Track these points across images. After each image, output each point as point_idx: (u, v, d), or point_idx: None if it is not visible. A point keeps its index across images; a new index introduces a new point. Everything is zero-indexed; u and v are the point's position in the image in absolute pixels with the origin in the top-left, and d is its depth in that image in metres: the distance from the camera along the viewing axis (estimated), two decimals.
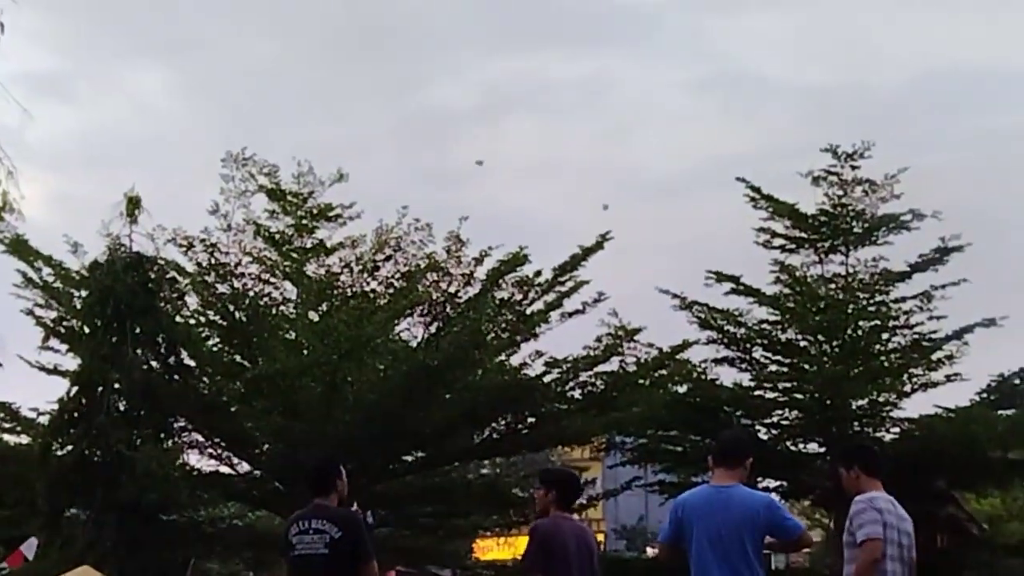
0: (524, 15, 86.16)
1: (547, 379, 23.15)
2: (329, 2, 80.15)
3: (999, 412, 24.39)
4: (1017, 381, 24.59)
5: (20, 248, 22.55)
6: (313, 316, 22.67)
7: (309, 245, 23.60)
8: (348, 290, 23.33)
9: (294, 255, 23.32)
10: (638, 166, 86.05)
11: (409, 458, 24.10)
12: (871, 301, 24.46)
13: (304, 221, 23.61)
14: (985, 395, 24.63)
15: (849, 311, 24.17)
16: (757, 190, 24.55)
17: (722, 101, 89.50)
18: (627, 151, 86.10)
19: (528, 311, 23.08)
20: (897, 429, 24.80)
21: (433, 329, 23.06)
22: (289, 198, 23.60)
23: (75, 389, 20.59)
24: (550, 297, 23.13)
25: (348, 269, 23.41)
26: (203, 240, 22.86)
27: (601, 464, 31.33)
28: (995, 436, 23.83)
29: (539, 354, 23.02)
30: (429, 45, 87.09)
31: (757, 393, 24.79)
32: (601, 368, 23.54)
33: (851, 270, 24.70)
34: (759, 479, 23.03)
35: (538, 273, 22.96)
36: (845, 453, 8.44)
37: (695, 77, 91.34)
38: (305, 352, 21.49)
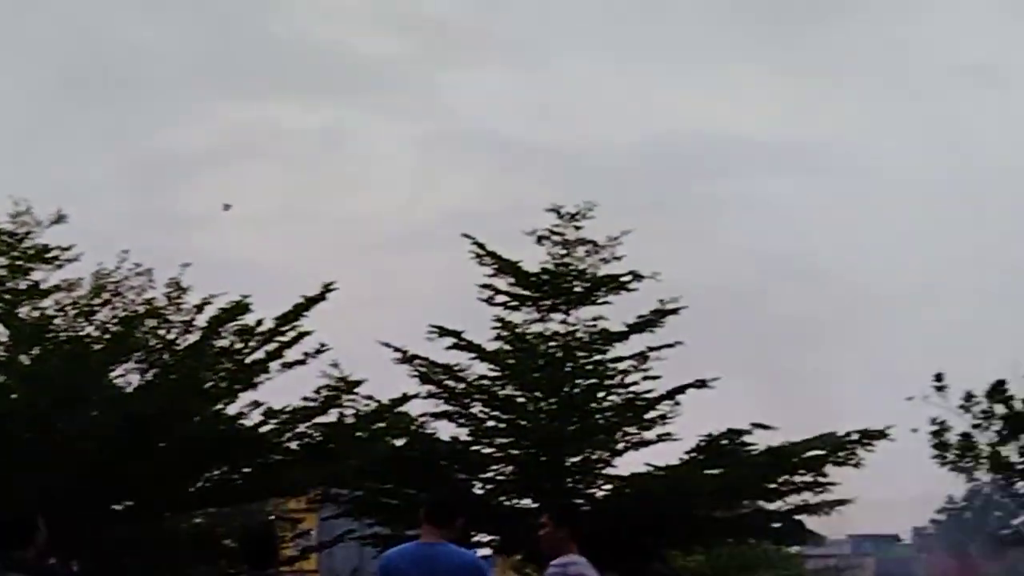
0: (259, 63, 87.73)
1: (265, 429, 24.12)
2: (60, 43, 79.90)
3: (707, 471, 27.58)
4: (725, 441, 27.70)
5: None
6: (24, 360, 23.06)
7: (23, 287, 23.92)
8: (63, 334, 23.58)
9: (7, 296, 23.66)
10: (369, 217, 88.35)
11: (121, 507, 24.36)
12: (589, 360, 26.65)
13: (19, 262, 23.94)
14: (694, 454, 27.59)
15: (568, 369, 26.49)
16: (482, 246, 26.56)
17: (455, 156, 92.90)
18: (359, 202, 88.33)
19: (248, 360, 23.99)
20: (610, 486, 27.20)
21: (150, 376, 23.62)
22: (3, 238, 24.00)
23: None
24: (271, 346, 24.06)
25: (64, 313, 23.79)
26: None
27: (316, 516, 32.98)
28: (702, 495, 26.88)
29: (257, 404, 23.96)
30: (163, 89, 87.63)
31: (475, 448, 26.77)
32: (320, 419, 24.67)
33: (571, 328, 26.93)
34: (472, 533, 25.41)
35: (260, 322, 23.86)
36: (562, 511, 9.55)
37: (429, 131, 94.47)
38: (14, 397, 22.13)
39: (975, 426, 28.81)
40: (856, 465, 27.90)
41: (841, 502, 28.38)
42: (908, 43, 64.07)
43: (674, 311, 27.11)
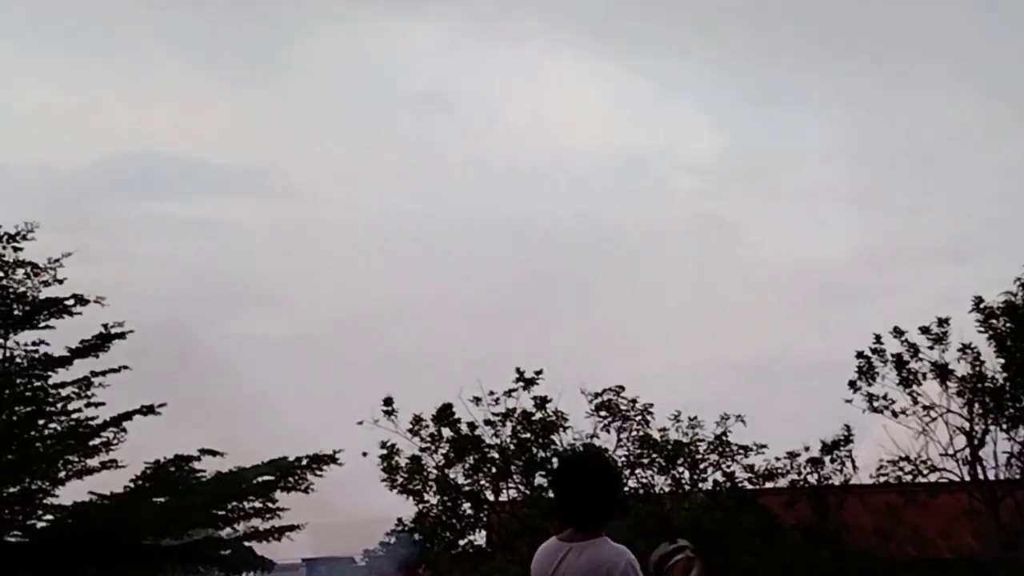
0: None
1: None
2: None
3: (154, 499, 28.08)
4: (172, 468, 28.34)
5: None
6: None
7: None
8: None
9: None
10: None
11: None
12: (29, 386, 26.76)
13: None
14: (140, 482, 28.04)
15: (5, 395, 26.59)
16: None
17: None
18: None
19: None
20: (51, 516, 27.45)
21: None
22: None
23: None
24: None
25: None
26: None
27: None
28: (149, 523, 27.45)
29: None
30: None
31: None
32: None
33: (9, 353, 26.85)
34: None
35: None
36: None
37: None
38: None
39: (423, 449, 30.53)
40: (306, 490, 29.12)
41: (292, 527, 29.46)
42: (364, 69, 66.70)
43: (120, 335, 27.41)
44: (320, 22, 64.82)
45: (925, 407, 30.43)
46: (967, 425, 30.30)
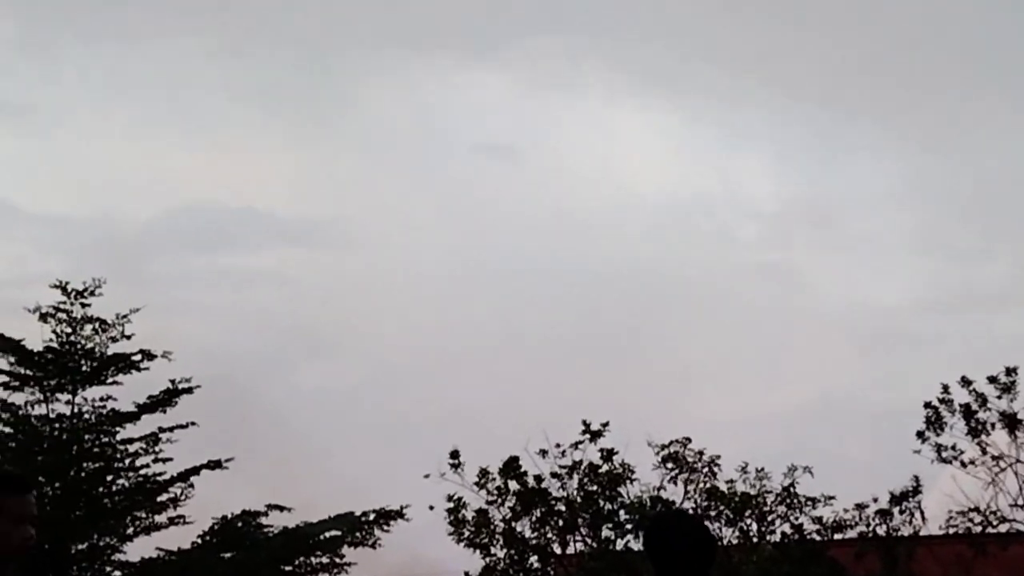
0: None
1: None
2: None
3: (221, 555, 28.22)
4: (240, 523, 28.50)
5: None
6: None
7: None
8: None
9: None
10: None
11: None
12: (97, 442, 27.07)
13: None
14: (208, 537, 28.13)
15: (73, 451, 26.98)
16: None
17: None
18: None
19: None
20: (119, 573, 27.69)
21: None
22: None
23: None
24: None
25: None
26: None
27: None
28: None
29: None
30: None
31: None
32: None
33: (78, 409, 27.16)
34: None
35: None
36: None
37: None
38: None
39: (490, 502, 30.50)
40: (373, 545, 29.19)
41: None
42: (427, 120, 67.01)
43: (187, 390, 27.67)
44: (383, 73, 65.22)
45: (994, 457, 30.11)
46: None
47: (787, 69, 64.43)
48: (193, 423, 27.58)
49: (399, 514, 29.44)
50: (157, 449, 27.40)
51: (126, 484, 27.45)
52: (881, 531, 30.00)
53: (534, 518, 30.93)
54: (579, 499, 30.35)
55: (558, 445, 30.45)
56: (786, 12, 63.52)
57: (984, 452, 30.20)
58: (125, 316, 27.54)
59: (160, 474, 27.46)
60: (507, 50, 65.08)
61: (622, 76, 64.90)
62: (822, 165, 67.51)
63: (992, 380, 30.28)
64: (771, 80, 63.58)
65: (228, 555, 28.09)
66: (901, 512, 29.99)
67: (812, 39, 64.41)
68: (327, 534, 28.92)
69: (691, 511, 27.62)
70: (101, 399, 27.42)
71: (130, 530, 27.54)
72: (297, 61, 65.24)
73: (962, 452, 30.35)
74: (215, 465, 27.64)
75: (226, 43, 63.59)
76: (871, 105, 65.55)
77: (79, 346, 27.22)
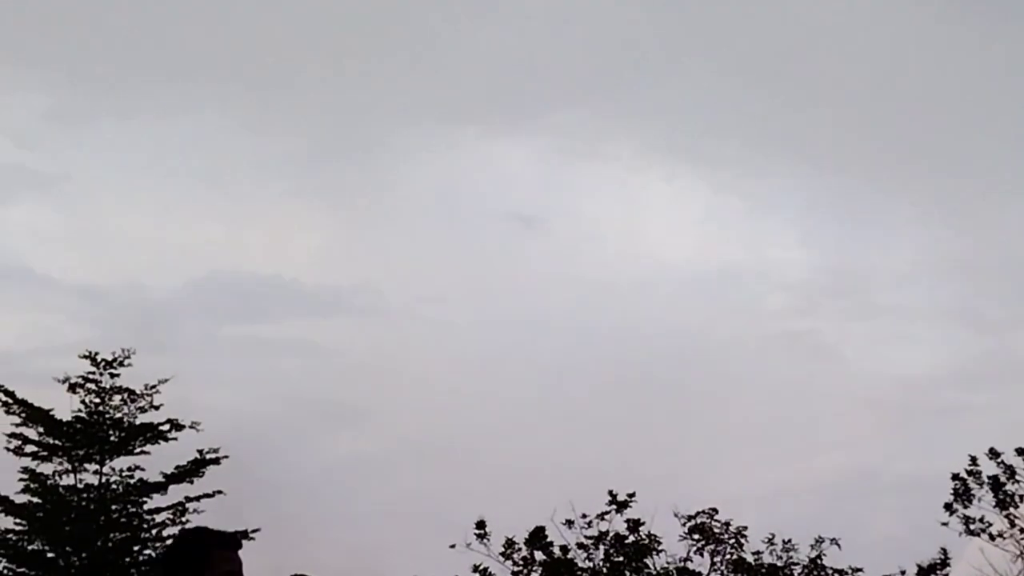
0: None
1: None
2: None
3: None
4: None
5: None
6: None
7: None
8: None
9: None
10: None
11: None
12: (124, 512, 27.23)
13: None
14: None
15: (101, 522, 27.14)
16: (10, 394, 27.09)
17: None
18: None
19: None
20: None
21: None
22: None
23: None
24: None
25: None
26: None
27: None
28: None
29: None
30: None
31: None
32: None
33: (105, 479, 27.32)
34: None
35: None
36: None
37: None
38: None
39: (516, 573, 30.45)
40: None
41: None
42: (455, 189, 67.35)
43: (215, 460, 27.76)
44: (412, 143, 65.70)
45: (1022, 530, 30.00)
46: None
47: (813, 140, 64.75)
48: (220, 492, 27.65)
49: None
50: (184, 520, 27.48)
51: (152, 554, 27.46)
52: None
53: None
54: (605, 570, 30.27)
55: (584, 515, 30.39)
56: (811, 85, 63.97)
57: (1012, 524, 30.09)
58: (154, 387, 27.75)
59: None
60: (534, 121, 65.53)
61: (648, 146, 65.34)
62: (849, 235, 67.70)
63: (1020, 452, 30.23)
64: (797, 151, 63.94)
65: None
66: None
67: (838, 111, 64.77)
68: None
69: None
70: (129, 469, 27.59)
71: None
72: (324, 132, 65.94)
73: (990, 524, 30.25)
74: (243, 535, 27.49)
75: (254, 115, 64.32)
76: (898, 176, 65.73)
77: (107, 416, 27.40)
